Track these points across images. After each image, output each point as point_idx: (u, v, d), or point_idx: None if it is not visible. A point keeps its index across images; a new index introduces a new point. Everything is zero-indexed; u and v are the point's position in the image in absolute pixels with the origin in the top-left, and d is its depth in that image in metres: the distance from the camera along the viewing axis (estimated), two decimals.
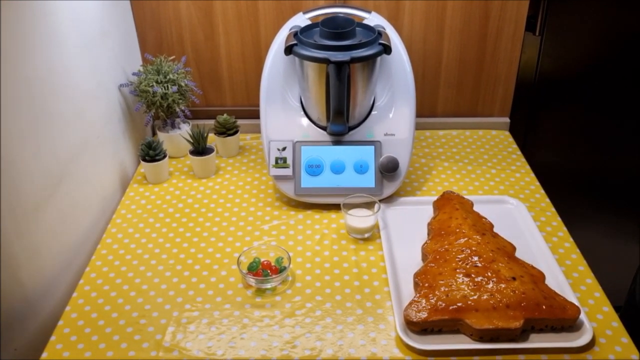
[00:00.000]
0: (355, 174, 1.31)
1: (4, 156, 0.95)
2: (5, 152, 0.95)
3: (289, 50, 1.24)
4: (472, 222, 1.15)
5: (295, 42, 1.25)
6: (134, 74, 1.45)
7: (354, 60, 1.19)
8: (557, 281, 1.08)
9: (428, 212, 1.26)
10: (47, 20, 1.09)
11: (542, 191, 1.38)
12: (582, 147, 1.78)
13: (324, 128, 1.33)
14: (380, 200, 1.27)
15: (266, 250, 1.17)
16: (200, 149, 1.43)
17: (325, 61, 1.19)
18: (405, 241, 1.20)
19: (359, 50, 1.21)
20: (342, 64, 1.18)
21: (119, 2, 1.43)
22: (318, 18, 1.31)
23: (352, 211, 1.23)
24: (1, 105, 0.93)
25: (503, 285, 0.99)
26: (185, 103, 1.47)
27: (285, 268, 1.12)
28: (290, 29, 1.30)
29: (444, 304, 0.98)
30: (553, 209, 1.31)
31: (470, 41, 1.54)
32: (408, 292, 1.07)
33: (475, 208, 1.23)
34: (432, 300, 0.99)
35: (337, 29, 1.24)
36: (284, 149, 1.32)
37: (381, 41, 1.24)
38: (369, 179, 1.31)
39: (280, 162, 1.31)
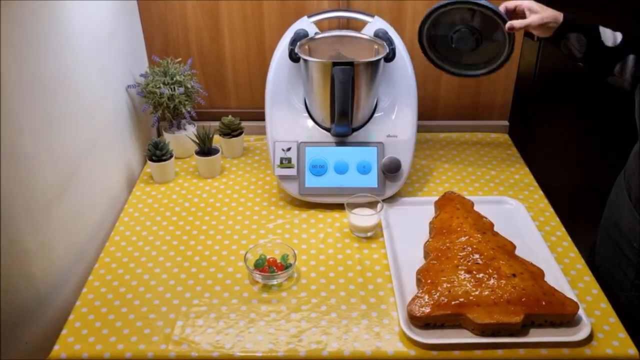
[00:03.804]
0: (358, 175, 1.34)
1: (19, 154, 0.97)
2: (20, 150, 0.97)
3: (294, 53, 1.26)
4: (473, 221, 1.18)
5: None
6: (141, 75, 1.48)
7: (358, 62, 1.22)
8: (555, 278, 1.11)
9: (429, 211, 1.29)
10: (60, 22, 1.11)
11: (541, 192, 1.41)
12: (580, 150, 1.81)
13: (328, 129, 1.36)
14: (382, 200, 1.30)
15: (272, 248, 1.19)
16: (205, 149, 1.46)
17: (331, 64, 1.22)
18: (407, 239, 1.22)
19: None
20: (346, 67, 1.21)
21: (126, 3, 1.46)
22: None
23: (355, 210, 1.26)
24: (17, 104, 0.96)
25: (504, 282, 1.02)
26: (191, 104, 1.49)
27: (290, 265, 1.14)
28: (295, 32, 1.33)
29: (446, 300, 1.01)
30: (551, 209, 1.34)
31: None
32: (410, 288, 1.09)
33: (476, 208, 1.26)
34: (434, 296, 1.02)
35: None
36: (288, 149, 1.34)
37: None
38: (371, 179, 1.33)
39: (285, 162, 1.34)
